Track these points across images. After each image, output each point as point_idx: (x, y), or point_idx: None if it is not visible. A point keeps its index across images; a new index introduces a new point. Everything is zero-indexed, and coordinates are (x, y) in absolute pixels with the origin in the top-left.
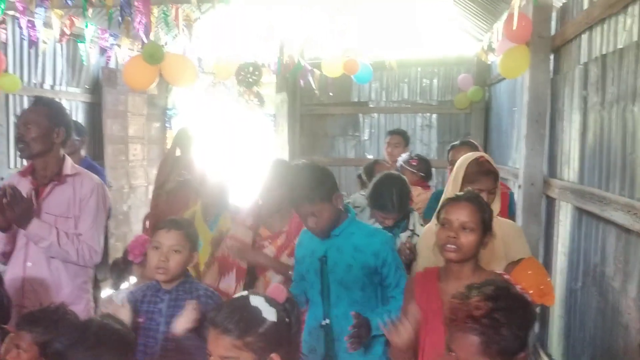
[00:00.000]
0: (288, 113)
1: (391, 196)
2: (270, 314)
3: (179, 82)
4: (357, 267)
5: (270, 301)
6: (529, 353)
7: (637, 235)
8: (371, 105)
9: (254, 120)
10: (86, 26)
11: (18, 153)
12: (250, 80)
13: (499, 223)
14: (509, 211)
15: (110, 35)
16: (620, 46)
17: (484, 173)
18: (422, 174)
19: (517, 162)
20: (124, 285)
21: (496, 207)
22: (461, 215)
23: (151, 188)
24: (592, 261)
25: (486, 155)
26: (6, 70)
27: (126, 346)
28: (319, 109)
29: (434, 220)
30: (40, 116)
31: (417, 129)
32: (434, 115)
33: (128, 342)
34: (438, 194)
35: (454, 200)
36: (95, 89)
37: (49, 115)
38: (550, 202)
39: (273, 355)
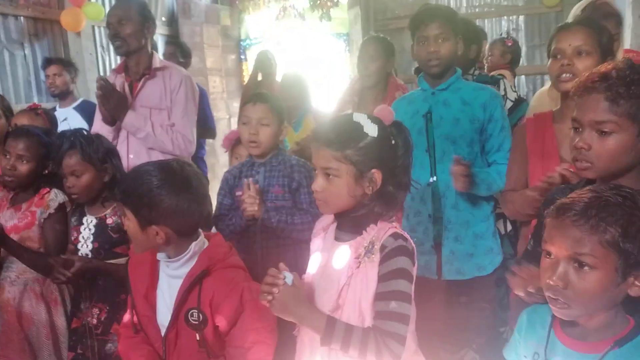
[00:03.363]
0: (362, 30)
1: None
2: (371, 130)
3: None
4: (464, 120)
5: (374, 119)
6: None
7: None
8: None
9: (326, 41)
10: None
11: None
12: None
13: None
14: None
15: None
16: None
17: (603, 16)
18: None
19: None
20: None
21: (619, 56)
22: (574, 40)
23: (233, 120)
24: None
25: None
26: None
27: (204, 189)
28: (394, 23)
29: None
30: (131, 11)
31: (504, 35)
32: (521, 17)
33: (205, 186)
34: None
35: (563, 27)
36: (172, 21)
37: (138, 10)
38: None
39: (374, 171)
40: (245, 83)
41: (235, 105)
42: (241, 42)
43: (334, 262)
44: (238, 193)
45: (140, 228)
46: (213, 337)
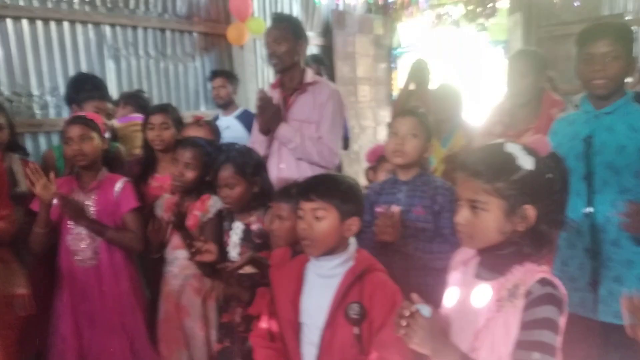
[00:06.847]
0: (523, 37)
1: None
2: (526, 162)
3: None
4: (631, 148)
5: (529, 150)
6: None
7: None
8: (628, 17)
9: (481, 50)
10: None
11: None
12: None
13: None
14: None
15: None
16: None
17: None
18: None
19: None
20: None
21: None
22: None
23: (379, 129)
24: None
25: None
26: (252, 15)
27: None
28: (559, 30)
29: None
30: (286, 31)
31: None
32: None
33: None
34: None
35: None
36: (326, 32)
37: (292, 29)
38: None
39: (527, 206)
40: (395, 92)
41: (383, 114)
42: (392, 51)
43: (473, 301)
44: (378, 210)
45: (340, 220)
46: (367, 334)
